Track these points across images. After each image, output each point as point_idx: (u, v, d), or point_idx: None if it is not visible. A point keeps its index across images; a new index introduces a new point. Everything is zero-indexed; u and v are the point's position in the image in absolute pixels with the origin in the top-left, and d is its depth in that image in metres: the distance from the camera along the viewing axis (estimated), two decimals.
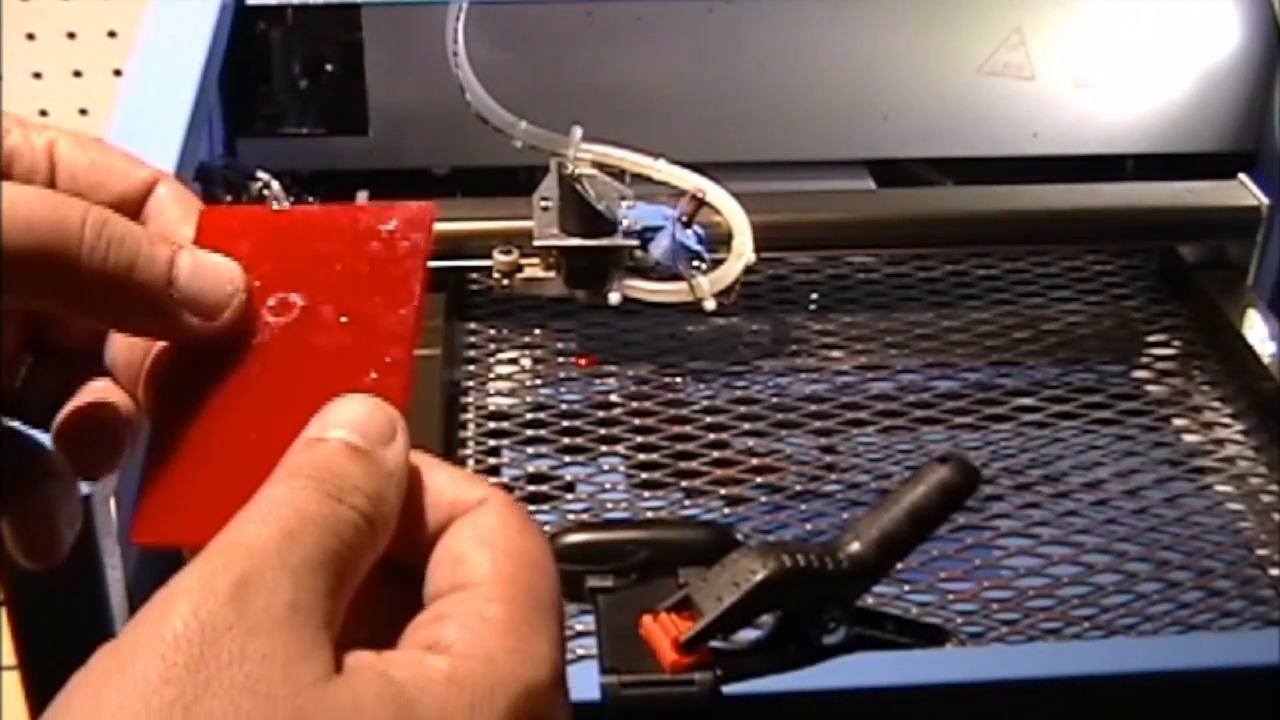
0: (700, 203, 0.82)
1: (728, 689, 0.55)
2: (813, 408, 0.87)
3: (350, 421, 0.36)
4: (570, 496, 0.81)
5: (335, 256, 0.40)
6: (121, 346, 0.40)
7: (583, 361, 0.91)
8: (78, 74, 1.91)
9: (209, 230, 0.40)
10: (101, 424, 0.40)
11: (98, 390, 0.41)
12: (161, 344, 0.40)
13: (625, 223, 0.82)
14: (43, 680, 0.55)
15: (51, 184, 0.40)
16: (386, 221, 0.40)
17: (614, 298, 0.84)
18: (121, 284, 0.37)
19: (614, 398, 0.88)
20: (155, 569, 0.66)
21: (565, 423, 0.85)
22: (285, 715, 0.31)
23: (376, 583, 0.36)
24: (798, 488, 0.81)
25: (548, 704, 0.34)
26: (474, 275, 0.94)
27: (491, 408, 0.87)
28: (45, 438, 0.41)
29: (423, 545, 0.36)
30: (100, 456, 0.40)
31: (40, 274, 0.36)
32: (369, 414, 0.36)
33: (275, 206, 0.41)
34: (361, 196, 0.89)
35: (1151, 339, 0.95)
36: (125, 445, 0.40)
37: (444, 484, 0.37)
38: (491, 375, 0.90)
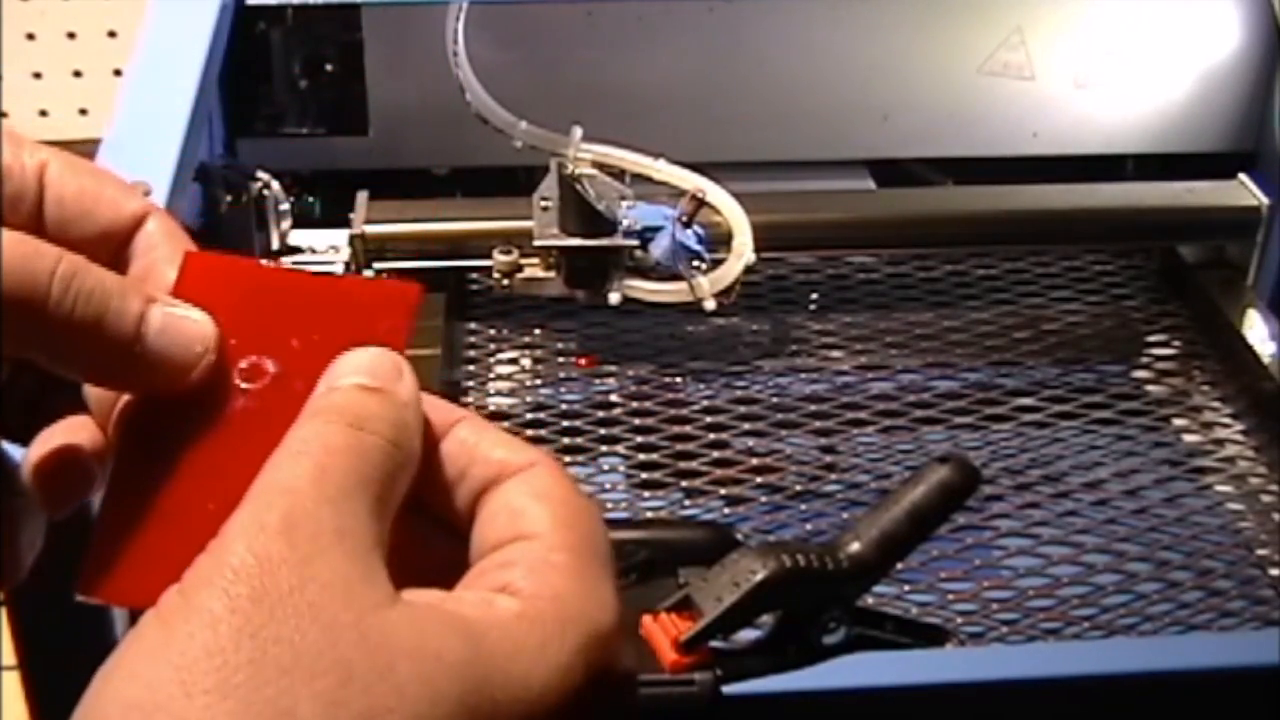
0: (700, 203, 0.82)
1: (728, 689, 0.55)
2: (813, 408, 0.87)
3: (358, 368, 0.37)
4: None
5: (314, 326, 0.39)
6: None
7: (583, 361, 0.91)
8: (78, 74, 1.91)
9: (190, 277, 0.40)
10: (72, 465, 0.40)
11: (70, 427, 0.40)
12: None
13: (625, 223, 0.82)
14: (43, 680, 0.55)
15: (39, 207, 0.40)
16: (370, 297, 0.39)
17: (614, 298, 0.84)
18: (88, 337, 0.37)
19: (614, 398, 0.88)
20: None
21: (565, 423, 0.85)
22: (350, 640, 0.32)
23: (420, 539, 0.37)
24: (798, 488, 0.81)
25: (614, 647, 0.35)
26: (474, 275, 0.94)
27: (491, 408, 0.87)
28: (15, 451, 0.40)
29: (467, 501, 0.38)
30: (70, 494, 0.40)
31: (7, 322, 0.36)
32: (374, 358, 0.38)
33: (264, 262, 0.40)
34: (361, 196, 0.89)
35: (1151, 339, 0.95)
36: (95, 481, 0.40)
37: (492, 444, 0.38)
38: (491, 375, 0.90)
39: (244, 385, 0.39)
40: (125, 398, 0.39)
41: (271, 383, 0.39)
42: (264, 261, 0.40)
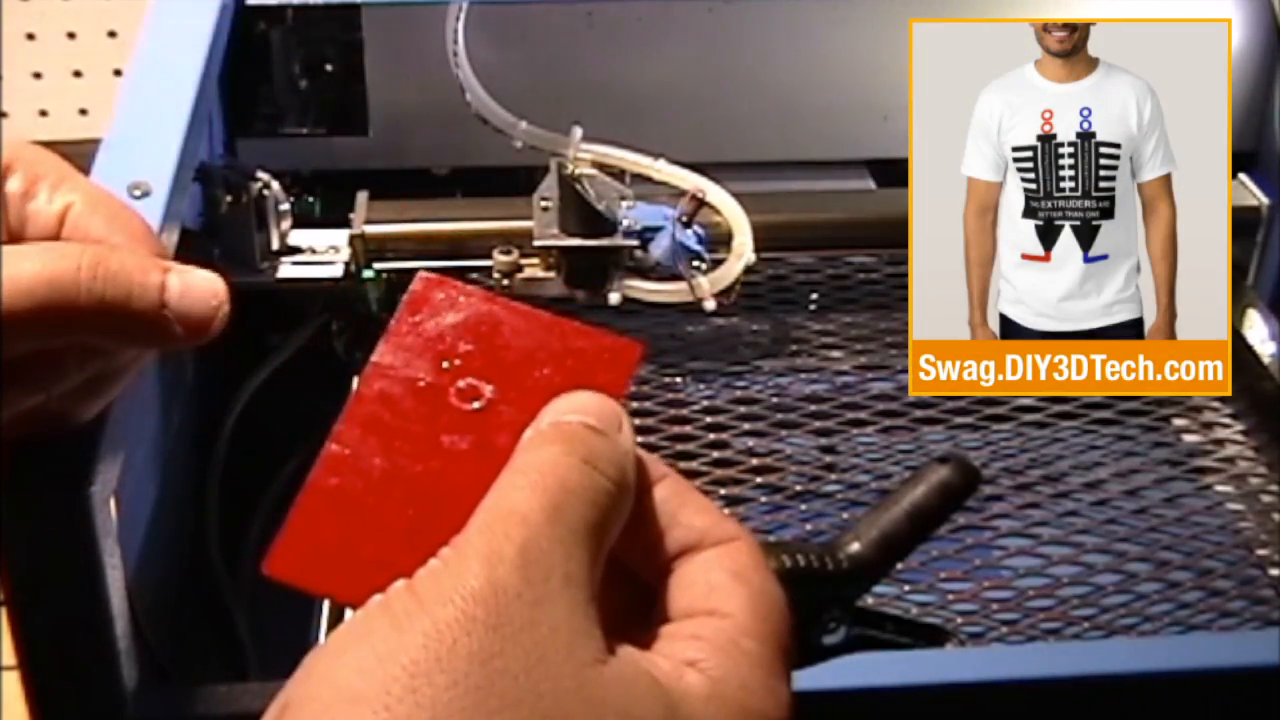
0: (700, 203, 0.82)
1: None
2: (813, 408, 0.87)
3: (584, 408, 0.38)
4: None
5: (535, 363, 0.40)
6: None
7: None
8: (78, 74, 1.91)
9: (421, 294, 0.41)
10: None
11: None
12: (368, 384, 0.41)
13: (625, 223, 0.82)
14: (43, 680, 0.55)
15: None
16: (594, 347, 0.41)
17: (614, 298, 0.84)
18: (120, 313, 0.41)
19: None
20: (155, 571, 0.66)
21: None
22: (568, 689, 0.33)
23: (605, 580, 0.37)
24: (798, 488, 0.81)
25: None
26: (474, 275, 0.94)
27: None
28: None
29: (661, 558, 0.39)
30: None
31: (45, 325, 0.40)
32: (599, 403, 0.39)
33: (496, 293, 0.42)
34: (361, 196, 0.89)
35: None
36: None
37: (696, 510, 0.39)
38: None
39: (459, 405, 0.40)
40: (352, 398, 0.41)
41: (487, 407, 0.40)
42: (495, 295, 0.42)
